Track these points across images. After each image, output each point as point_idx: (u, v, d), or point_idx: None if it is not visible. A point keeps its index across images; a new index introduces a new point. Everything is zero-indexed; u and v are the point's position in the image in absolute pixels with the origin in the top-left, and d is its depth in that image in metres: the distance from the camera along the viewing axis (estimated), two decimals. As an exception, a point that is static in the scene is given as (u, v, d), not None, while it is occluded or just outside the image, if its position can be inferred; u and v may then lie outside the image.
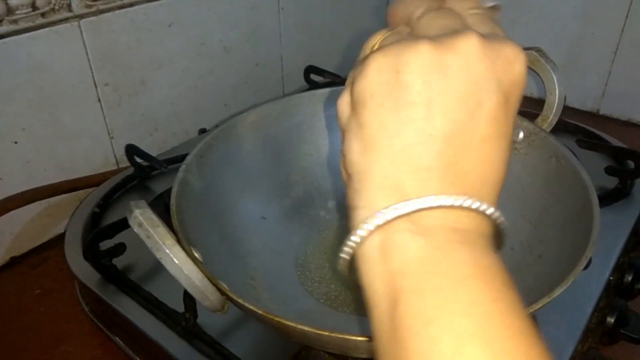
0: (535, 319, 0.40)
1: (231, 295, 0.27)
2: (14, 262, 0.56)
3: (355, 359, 0.35)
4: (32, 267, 0.56)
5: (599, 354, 0.40)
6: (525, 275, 0.35)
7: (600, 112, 0.82)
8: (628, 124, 0.79)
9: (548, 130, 0.41)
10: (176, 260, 0.25)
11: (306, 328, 0.25)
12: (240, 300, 0.26)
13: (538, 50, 0.39)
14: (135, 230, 0.25)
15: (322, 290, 0.40)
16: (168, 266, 0.25)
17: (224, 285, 0.28)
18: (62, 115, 0.57)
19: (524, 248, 0.38)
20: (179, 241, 0.29)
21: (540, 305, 0.26)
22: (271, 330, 0.28)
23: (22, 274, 0.55)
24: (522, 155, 0.41)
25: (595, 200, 0.33)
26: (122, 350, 0.45)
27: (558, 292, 0.27)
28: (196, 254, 0.30)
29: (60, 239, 0.58)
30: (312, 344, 0.28)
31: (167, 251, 0.25)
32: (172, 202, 0.33)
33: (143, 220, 0.25)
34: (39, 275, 0.55)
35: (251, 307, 0.26)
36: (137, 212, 0.25)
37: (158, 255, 0.25)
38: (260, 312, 0.26)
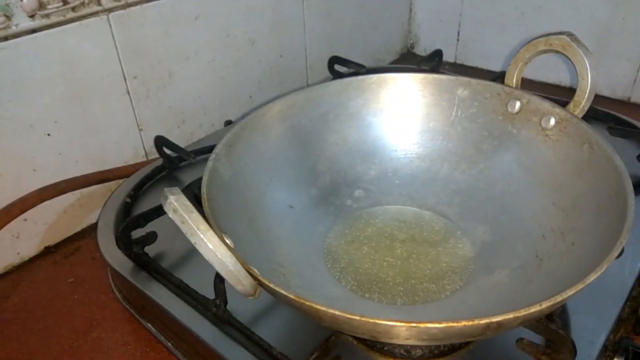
0: (565, 309, 0.39)
1: (263, 280, 0.27)
2: (48, 251, 0.58)
3: (383, 344, 0.35)
4: (66, 256, 0.57)
5: (631, 343, 0.39)
6: (557, 263, 0.35)
7: (632, 100, 0.79)
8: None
9: (580, 116, 0.40)
10: (210, 245, 0.25)
11: (337, 312, 0.25)
12: (272, 285, 0.27)
13: (569, 34, 0.38)
14: (170, 215, 0.26)
15: (348, 278, 0.40)
16: (202, 251, 0.26)
17: (256, 270, 0.28)
18: (93, 108, 0.58)
19: (556, 236, 0.37)
20: (211, 227, 0.29)
21: (573, 291, 0.26)
22: (302, 315, 0.28)
23: (55, 263, 0.56)
24: (554, 142, 0.41)
25: (629, 187, 0.32)
26: (154, 336, 0.46)
27: (591, 278, 0.27)
28: (227, 241, 0.30)
29: (92, 228, 0.60)
30: (342, 328, 0.28)
31: (202, 236, 0.25)
32: (203, 190, 0.33)
33: (178, 206, 0.25)
34: (72, 264, 0.56)
35: (283, 291, 0.26)
36: (172, 198, 0.26)
37: (193, 240, 0.25)
38: (292, 296, 0.26)
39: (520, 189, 0.42)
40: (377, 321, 0.25)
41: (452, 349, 0.36)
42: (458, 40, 0.96)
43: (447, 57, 0.96)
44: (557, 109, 0.40)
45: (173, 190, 0.26)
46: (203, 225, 0.25)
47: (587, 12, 0.77)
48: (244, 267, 0.28)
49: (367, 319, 0.25)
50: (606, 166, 0.35)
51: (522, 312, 0.25)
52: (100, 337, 0.47)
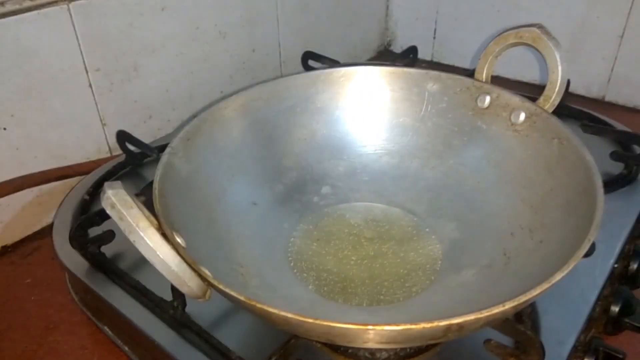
0: (535, 308, 0.38)
1: (212, 280, 0.26)
2: (5, 251, 0.55)
3: (347, 347, 0.34)
4: (24, 256, 0.55)
5: (602, 344, 0.38)
6: (526, 261, 0.34)
7: (606, 99, 0.79)
8: (635, 110, 0.77)
9: (550, 111, 0.39)
10: (150, 243, 0.23)
11: (289, 315, 0.24)
12: (221, 286, 0.25)
13: (540, 27, 0.37)
14: (107, 211, 0.24)
15: (312, 278, 0.39)
16: (142, 250, 0.24)
17: (206, 270, 0.26)
18: (52, 101, 0.55)
19: (525, 233, 0.36)
20: (160, 225, 0.27)
21: (538, 291, 0.25)
22: (256, 318, 0.27)
23: (12, 263, 0.54)
24: (524, 137, 0.40)
25: (599, 182, 0.31)
26: (112, 340, 0.44)
27: (557, 277, 0.26)
28: (179, 239, 0.29)
29: (51, 228, 0.57)
30: (297, 332, 0.26)
31: (141, 234, 0.23)
32: (155, 185, 0.31)
33: (116, 202, 0.24)
34: (30, 264, 0.54)
35: (232, 292, 0.25)
36: (109, 192, 0.24)
37: (131, 238, 0.24)
38: (242, 298, 0.24)
39: (490, 185, 0.41)
40: (332, 324, 0.24)
41: (419, 350, 0.35)
42: (434, 38, 0.95)
43: (424, 55, 0.96)
44: (527, 104, 0.39)
45: (113, 185, 0.24)
46: (143, 222, 0.24)
47: (562, 10, 0.77)
48: (192, 268, 0.26)
49: (322, 322, 0.24)
50: (576, 162, 0.34)
51: (485, 313, 0.23)
52: (56, 340, 0.45)
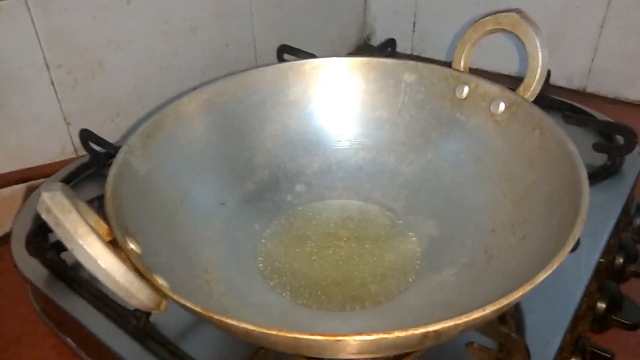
0: (519, 307, 0.37)
1: (165, 290, 0.23)
2: (-37, 259, 0.53)
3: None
4: (-17, 265, 0.52)
5: (589, 343, 0.37)
6: (508, 259, 0.32)
7: (587, 90, 0.79)
8: (616, 101, 0.76)
9: (531, 100, 0.37)
10: (90, 251, 0.21)
11: (250, 327, 0.21)
12: (175, 297, 0.23)
13: (519, 11, 0.35)
14: (43, 217, 0.21)
15: (284, 283, 0.36)
16: (81, 259, 0.21)
17: (160, 279, 0.24)
18: (11, 100, 0.52)
19: (507, 229, 0.34)
20: (111, 230, 0.25)
21: (521, 293, 0.23)
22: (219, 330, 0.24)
23: (-28, 272, 0.51)
24: (504, 128, 0.38)
25: (583, 173, 0.29)
26: (75, 353, 0.42)
27: (542, 277, 0.24)
28: (132, 245, 0.26)
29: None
30: (261, 344, 0.24)
31: (80, 241, 0.21)
32: (107, 186, 0.29)
33: (51, 205, 0.21)
34: (-10, 273, 0.51)
35: (188, 303, 0.22)
36: (45, 195, 0.21)
37: (69, 246, 0.21)
38: (197, 309, 0.22)
39: (469, 179, 0.39)
40: (298, 336, 0.22)
41: (398, 355, 0.33)
42: (414, 31, 0.94)
43: (404, 49, 0.94)
44: (507, 93, 0.38)
45: (51, 187, 0.22)
46: (82, 228, 0.21)
47: (541, 2, 0.76)
48: (144, 277, 0.23)
49: (287, 334, 0.22)
50: (559, 153, 0.32)
51: (463, 319, 0.21)
52: (18, 353, 0.43)
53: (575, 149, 0.32)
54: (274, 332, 0.22)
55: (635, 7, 0.70)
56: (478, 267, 0.33)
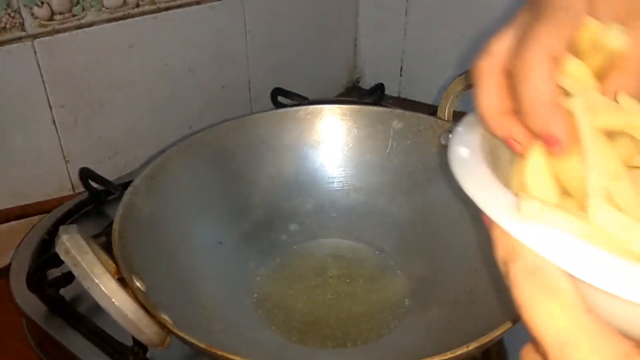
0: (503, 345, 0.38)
1: (171, 327, 0.25)
2: (-42, 294, 0.53)
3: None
4: (-22, 299, 0.53)
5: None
6: (491, 297, 0.34)
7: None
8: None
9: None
10: (105, 290, 0.23)
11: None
12: (181, 334, 0.24)
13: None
14: (62, 257, 0.23)
15: (278, 320, 0.38)
16: (96, 297, 0.23)
17: (165, 316, 0.25)
18: (14, 138, 0.54)
19: (489, 269, 0.36)
20: (118, 269, 0.27)
21: (502, 330, 0.25)
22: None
23: (-34, 307, 0.52)
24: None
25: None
26: None
27: (521, 316, 0.26)
28: (138, 283, 0.28)
29: (8, 269, 0.55)
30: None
31: (96, 281, 0.23)
32: (115, 226, 0.31)
33: (70, 247, 0.23)
34: (-15, 307, 0.52)
35: (193, 340, 0.24)
36: (64, 237, 0.23)
37: (86, 284, 0.23)
38: (202, 345, 0.24)
39: (454, 221, 0.42)
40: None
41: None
42: (401, 75, 0.98)
43: (392, 91, 0.98)
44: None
45: (68, 229, 0.24)
46: (98, 268, 0.23)
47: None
48: (151, 314, 0.25)
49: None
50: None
51: (448, 355, 0.23)
52: None
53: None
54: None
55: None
56: (462, 304, 0.35)
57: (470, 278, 0.37)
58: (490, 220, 0.20)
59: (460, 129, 0.25)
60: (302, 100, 0.73)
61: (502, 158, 0.24)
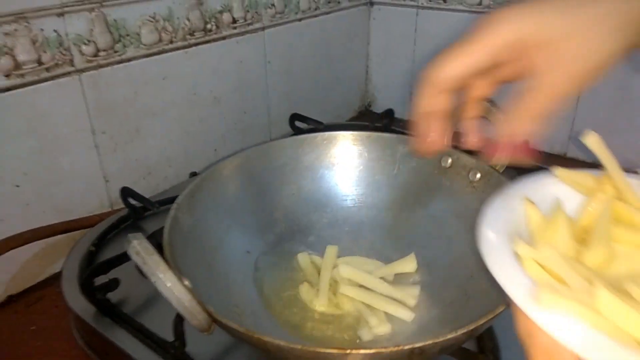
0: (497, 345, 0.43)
1: (217, 316, 0.31)
2: (10, 300, 0.59)
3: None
4: (28, 305, 0.58)
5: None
6: (483, 299, 0.39)
7: (568, 155, 0.87)
8: (594, 165, 0.84)
9: (501, 170, 0.46)
10: (169, 284, 0.29)
11: (282, 343, 0.29)
12: (224, 321, 0.30)
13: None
14: (133, 258, 0.29)
15: (298, 317, 0.43)
16: (161, 289, 0.29)
17: (211, 308, 0.31)
18: (61, 161, 0.60)
19: (482, 275, 0.42)
20: (170, 269, 0.33)
21: (484, 320, 0.30)
22: (253, 348, 0.32)
23: (17, 312, 0.57)
24: (480, 192, 0.46)
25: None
26: None
27: (501, 309, 0.31)
28: (186, 282, 0.34)
29: (54, 278, 0.61)
30: (286, 357, 0.31)
31: (161, 276, 0.29)
32: (165, 237, 0.37)
33: (140, 249, 0.29)
34: (34, 312, 0.57)
35: (234, 326, 0.30)
36: (135, 242, 0.29)
37: (153, 279, 0.29)
38: (242, 330, 0.29)
39: (453, 233, 0.47)
40: (317, 349, 0.29)
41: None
42: (411, 100, 1.03)
43: (402, 114, 1.03)
44: (482, 165, 0.46)
45: (136, 236, 0.30)
46: (162, 266, 0.29)
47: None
48: (199, 304, 0.31)
49: (308, 348, 0.29)
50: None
51: (440, 339, 0.29)
52: None
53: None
54: (299, 347, 0.29)
55: (603, 84, 0.80)
56: (458, 305, 0.41)
57: (466, 284, 0.43)
58: (512, 301, 0.22)
59: (489, 211, 0.28)
60: (318, 125, 0.79)
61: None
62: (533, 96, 0.29)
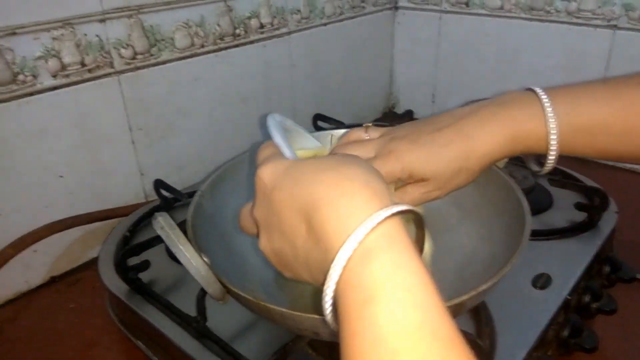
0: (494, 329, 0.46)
1: (229, 286, 0.35)
2: (53, 280, 0.65)
3: (336, 354, 0.42)
4: (68, 285, 0.64)
5: (551, 357, 0.45)
6: (478, 281, 0.42)
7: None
8: (603, 165, 0.85)
9: (501, 167, 0.48)
10: (187, 254, 0.33)
11: (284, 310, 0.33)
12: (235, 290, 0.34)
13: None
14: (158, 232, 0.34)
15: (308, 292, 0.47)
16: (181, 259, 0.33)
17: (225, 279, 0.35)
18: (101, 154, 0.66)
19: (478, 261, 0.45)
20: (190, 244, 0.37)
21: (474, 293, 0.33)
22: (261, 315, 0.35)
23: (58, 291, 0.63)
24: (481, 186, 0.49)
25: (528, 220, 0.40)
26: (145, 354, 0.51)
27: (484, 286, 0.34)
28: (205, 258, 0.38)
29: (93, 262, 0.66)
30: (289, 326, 0.35)
31: (181, 247, 0.33)
32: (188, 218, 0.41)
33: (164, 224, 0.33)
34: (74, 292, 0.63)
35: (244, 294, 0.34)
36: (160, 218, 0.34)
37: (174, 250, 0.33)
38: (251, 298, 0.33)
39: (455, 223, 0.50)
40: (317, 316, 0.32)
41: None
42: (433, 102, 1.06)
43: (424, 115, 1.06)
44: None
45: (162, 214, 0.34)
46: (183, 239, 0.33)
47: (545, 79, 0.87)
48: (214, 275, 0.35)
49: (309, 315, 0.32)
50: (517, 207, 0.43)
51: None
52: (97, 354, 0.53)
53: (527, 204, 0.42)
54: (297, 314, 0.33)
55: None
56: (456, 288, 0.43)
57: (464, 270, 0.45)
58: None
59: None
60: (339, 125, 0.82)
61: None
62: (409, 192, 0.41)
